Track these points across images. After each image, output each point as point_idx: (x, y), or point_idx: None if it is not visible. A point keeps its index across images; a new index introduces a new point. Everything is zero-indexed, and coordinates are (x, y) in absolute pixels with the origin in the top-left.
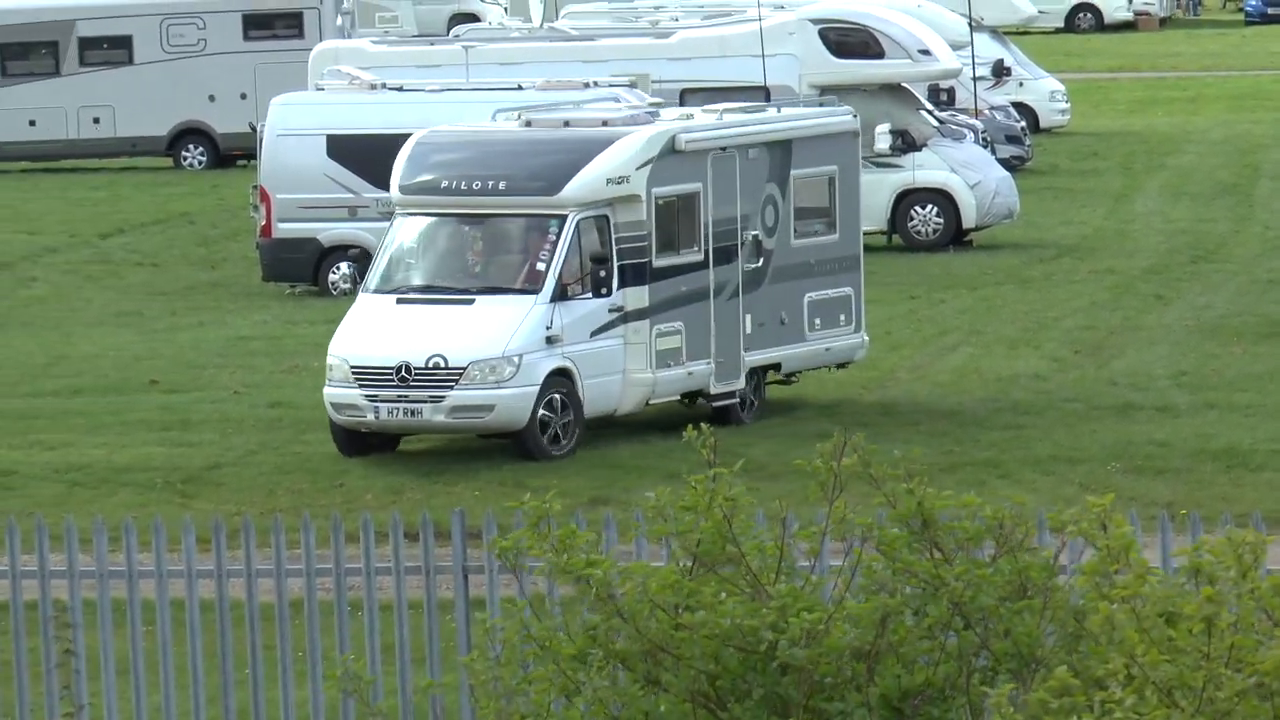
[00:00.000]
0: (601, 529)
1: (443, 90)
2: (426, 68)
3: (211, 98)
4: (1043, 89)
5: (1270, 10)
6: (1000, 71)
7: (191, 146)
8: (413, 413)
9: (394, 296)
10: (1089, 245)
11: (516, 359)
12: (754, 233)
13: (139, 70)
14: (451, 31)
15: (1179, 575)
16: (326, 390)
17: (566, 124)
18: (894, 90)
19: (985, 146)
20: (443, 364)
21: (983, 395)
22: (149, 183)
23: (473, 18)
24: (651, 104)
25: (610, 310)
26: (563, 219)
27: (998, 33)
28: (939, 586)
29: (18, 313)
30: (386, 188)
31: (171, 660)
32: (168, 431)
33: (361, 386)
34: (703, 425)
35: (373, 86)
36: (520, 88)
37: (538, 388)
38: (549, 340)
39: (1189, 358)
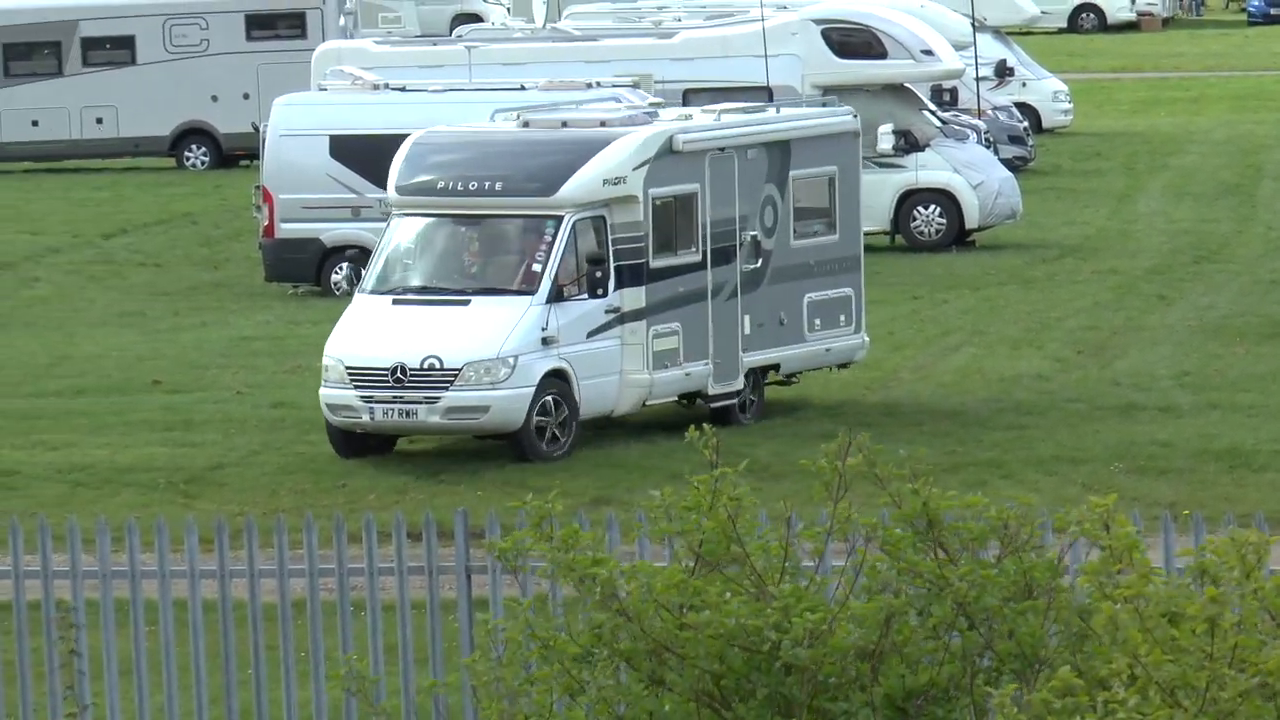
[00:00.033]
0: (604, 529)
1: (445, 90)
2: (429, 68)
3: (214, 98)
4: (1045, 89)
5: (1273, 10)
6: (1003, 72)
7: (194, 147)
8: (408, 414)
9: (390, 297)
10: (1092, 245)
11: (512, 360)
12: (752, 233)
13: (142, 70)
14: (454, 32)
15: (1183, 575)
16: (323, 391)
17: (564, 124)
18: (897, 90)
19: (988, 147)
20: (438, 365)
21: (985, 395)
22: (152, 183)
23: (475, 18)
24: (651, 104)
25: (607, 311)
26: (559, 220)
27: (1000, 33)
28: (943, 587)
29: (20, 313)
30: None
31: (174, 660)
32: (170, 432)
33: (357, 387)
34: (705, 425)
35: (375, 87)
36: (523, 88)
37: (533, 389)
38: (545, 341)
39: (1192, 358)
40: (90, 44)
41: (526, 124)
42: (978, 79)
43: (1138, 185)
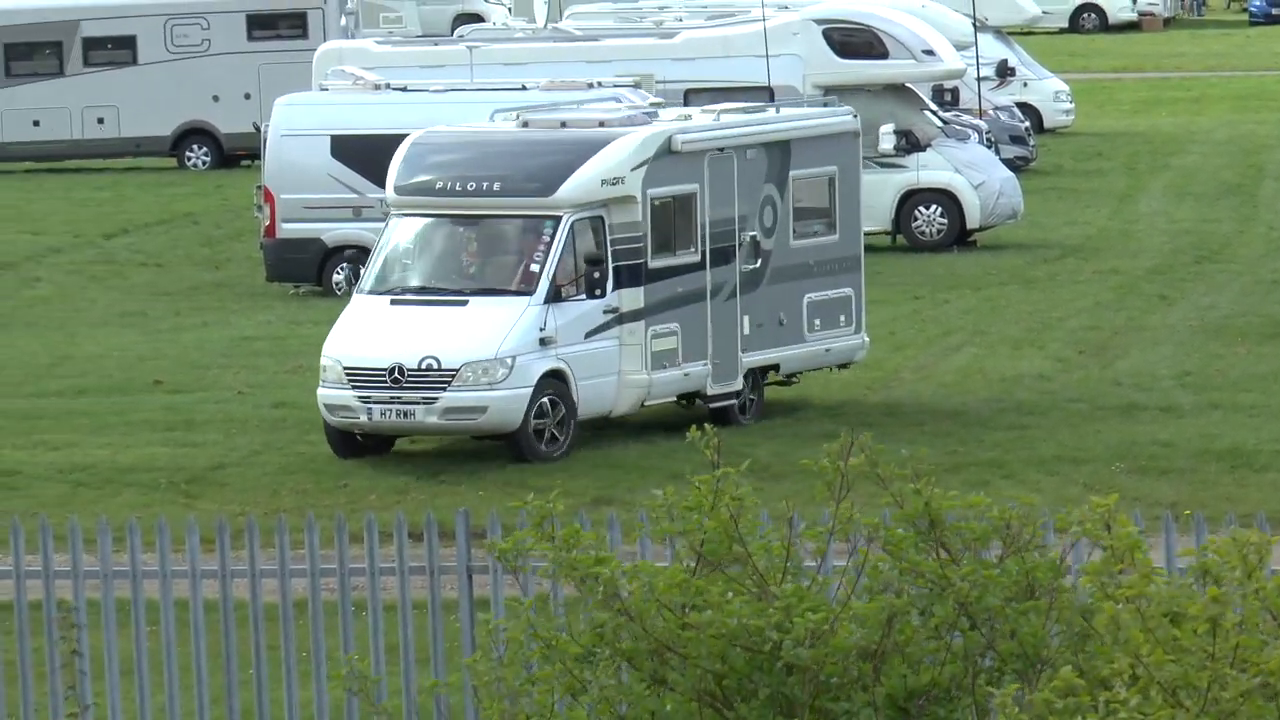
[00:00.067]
0: (605, 529)
1: (447, 90)
2: (431, 68)
3: (215, 98)
4: (1047, 89)
5: (1274, 11)
6: (1004, 72)
7: (195, 147)
8: (405, 414)
9: (388, 297)
10: (1093, 245)
11: (509, 360)
12: (752, 233)
13: (143, 70)
14: (456, 32)
15: (1184, 575)
16: (320, 391)
17: (563, 125)
18: (898, 90)
19: (989, 147)
20: (435, 365)
21: (987, 395)
22: (153, 183)
23: (477, 18)
24: (651, 104)
25: (605, 311)
26: (557, 220)
27: (1002, 33)
28: (945, 587)
29: (22, 313)
30: None
31: (175, 660)
32: (172, 432)
33: (355, 388)
34: (706, 425)
35: (377, 87)
36: (524, 88)
37: (531, 389)
38: (542, 342)
39: (1193, 358)
40: (91, 44)
41: (526, 124)
42: (979, 79)
43: (1139, 185)
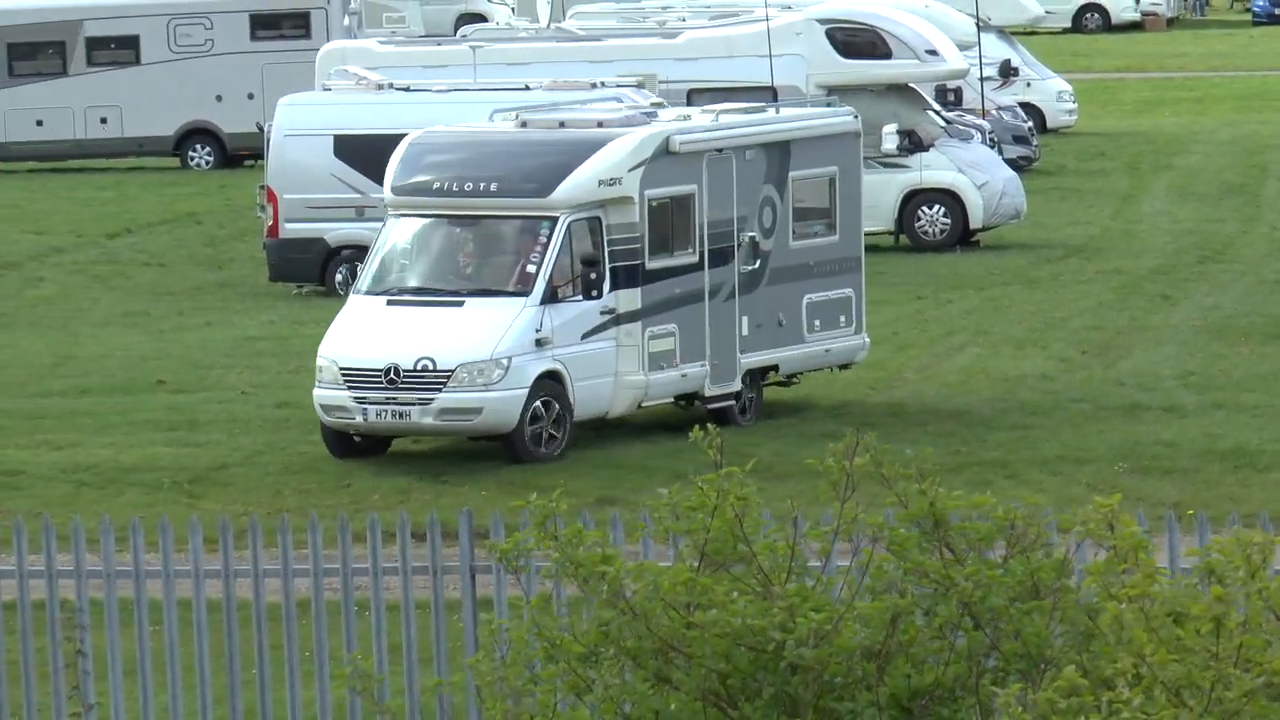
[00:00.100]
0: (608, 529)
1: (450, 90)
2: (433, 68)
3: (218, 98)
4: (1050, 89)
5: (1278, 11)
6: (1007, 72)
7: (198, 146)
8: (401, 415)
9: (384, 298)
10: (1096, 245)
11: (505, 361)
12: (750, 234)
13: (146, 70)
14: (459, 32)
15: (1189, 575)
16: (316, 392)
17: (561, 125)
18: (901, 90)
19: (992, 147)
20: (431, 366)
21: (990, 395)
22: (156, 183)
23: (480, 18)
24: (652, 104)
25: (602, 312)
26: (554, 221)
27: (1005, 33)
28: (949, 587)
29: (25, 313)
30: None
31: (179, 660)
32: (175, 431)
33: (350, 388)
34: (709, 426)
35: (380, 87)
36: (527, 88)
37: (527, 390)
38: (539, 343)
39: (1196, 358)
40: (95, 44)
41: (524, 124)
42: (982, 79)
43: (1142, 185)
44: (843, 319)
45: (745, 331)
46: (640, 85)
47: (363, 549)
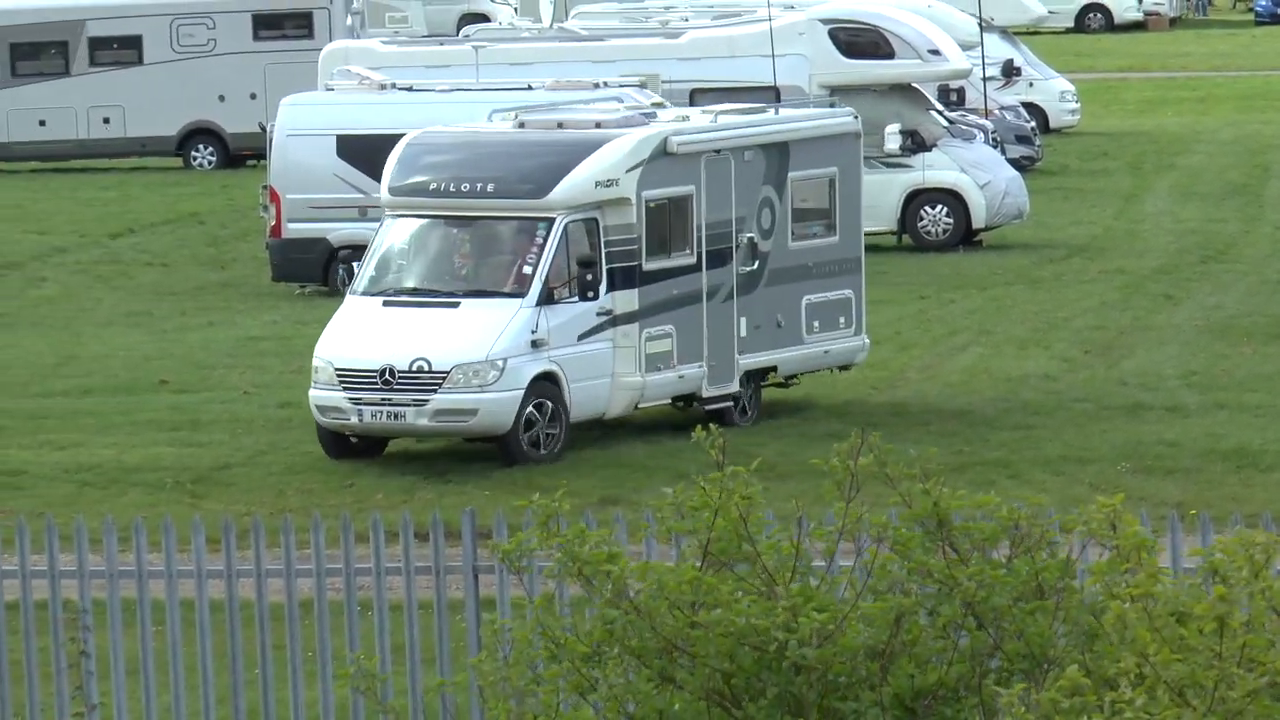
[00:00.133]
0: (611, 529)
1: (452, 90)
2: (436, 68)
3: (221, 98)
4: (1053, 89)
5: None
6: (1010, 72)
7: (201, 146)
8: (396, 416)
9: (380, 299)
10: (1099, 245)
11: (500, 363)
12: (749, 235)
13: (149, 70)
14: (461, 32)
15: (1192, 575)
16: (312, 392)
17: (560, 125)
18: (904, 90)
19: (995, 147)
20: (426, 367)
21: (992, 395)
22: (159, 183)
23: (482, 18)
24: (652, 104)
25: (598, 314)
26: (550, 222)
27: (1007, 33)
28: (953, 587)
29: (28, 313)
30: None
31: (181, 660)
32: (177, 431)
33: (346, 389)
34: (711, 426)
35: (382, 87)
36: (530, 88)
37: (522, 392)
38: (534, 344)
39: (1199, 358)
40: (97, 44)
41: (522, 125)
42: (985, 79)
43: (1145, 185)
44: (842, 320)
45: (743, 333)
46: (643, 85)
47: (365, 549)
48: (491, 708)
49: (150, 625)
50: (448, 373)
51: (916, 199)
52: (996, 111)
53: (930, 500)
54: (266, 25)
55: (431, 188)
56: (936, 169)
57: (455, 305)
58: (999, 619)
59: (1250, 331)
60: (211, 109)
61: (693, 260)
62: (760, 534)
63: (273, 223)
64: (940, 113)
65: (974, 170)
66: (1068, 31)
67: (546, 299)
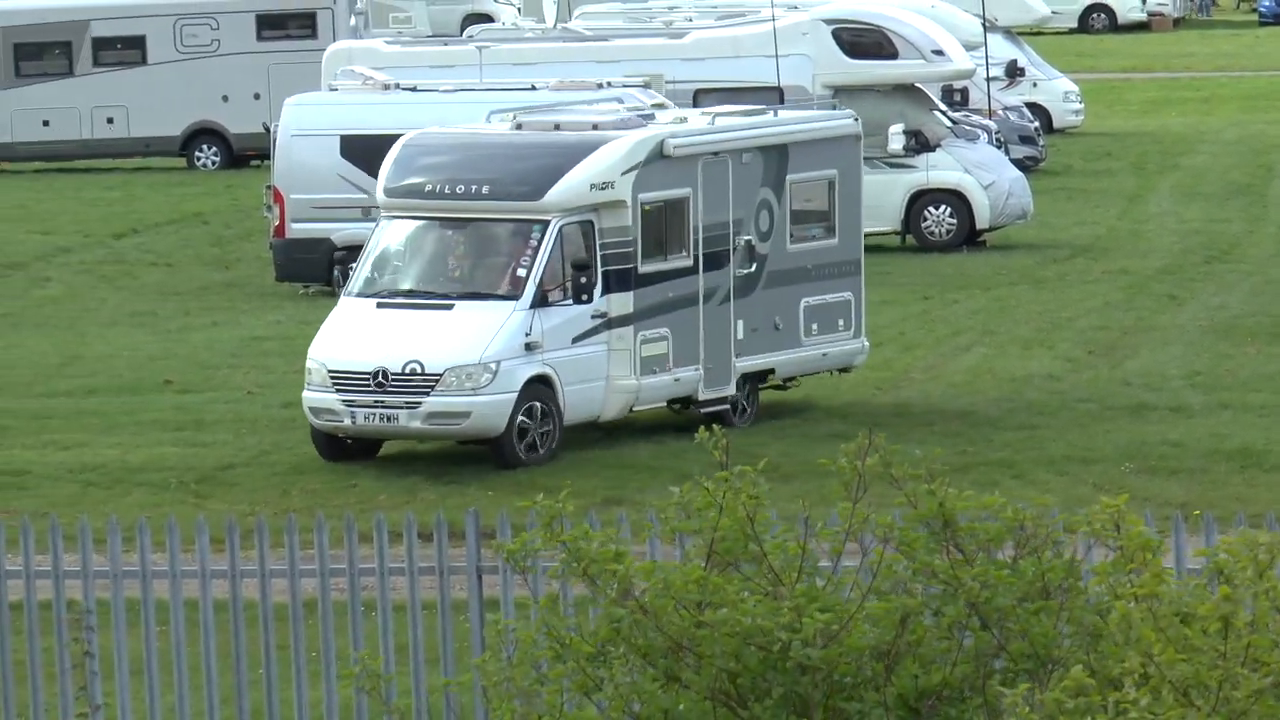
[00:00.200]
0: (615, 529)
1: (456, 90)
2: (440, 68)
3: (225, 98)
4: (1056, 89)
5: None
6: (1014, 72)
7: (205, 147)
8: (389, 418)
9: (374, 301)
10: (1102, 245)
11: (494, 365)
12: (746, 237)
13: (152, 70)
14: (465, 32)
15: (1197, 575)
16: (305, 394)
17: (557, 127)
18: (908, 90)
19: (999, 147)
20: (419, 370)
21: (996, 395)
22: (163, 183)
23: (486, 18)
24: (654, 105)
25: (593, 316)
26: (545, 224)
27: (1011, 33)
28: (958, 587)
29: (32, 313)
30: None
31: (185, 660)
32: (182, 431)
33: (339, 391)
34: (715, 426)
35: (386, 87)
36: (534, 88)
37: (515, 394)
38: (528, 347)
39: (1203, 358)
40: (101, 44)
41: (519, 126)
42: (988, 79)
43: (1148, 185)
44: (841, 322)
45: (740, 335)
46: (646, 85)
47: (369, 549)
48: (496, 708)
49: (154, 625)
50: (440, 375)
51: (920, 199)
52: (1000, 112)
53: (935, 501)
54: (270, 25)
55: (427, 189)
56: (940, 169)
57: (449, 307)
58: (1003, 619)
59: (1254, 331)
60: (215, 109)
61: (689, 263)
62: (766, 534)
63: (276, 223)
64: (944, 113)
65: (978, 171)
66: (1071, 32)
67: (541, 301)
